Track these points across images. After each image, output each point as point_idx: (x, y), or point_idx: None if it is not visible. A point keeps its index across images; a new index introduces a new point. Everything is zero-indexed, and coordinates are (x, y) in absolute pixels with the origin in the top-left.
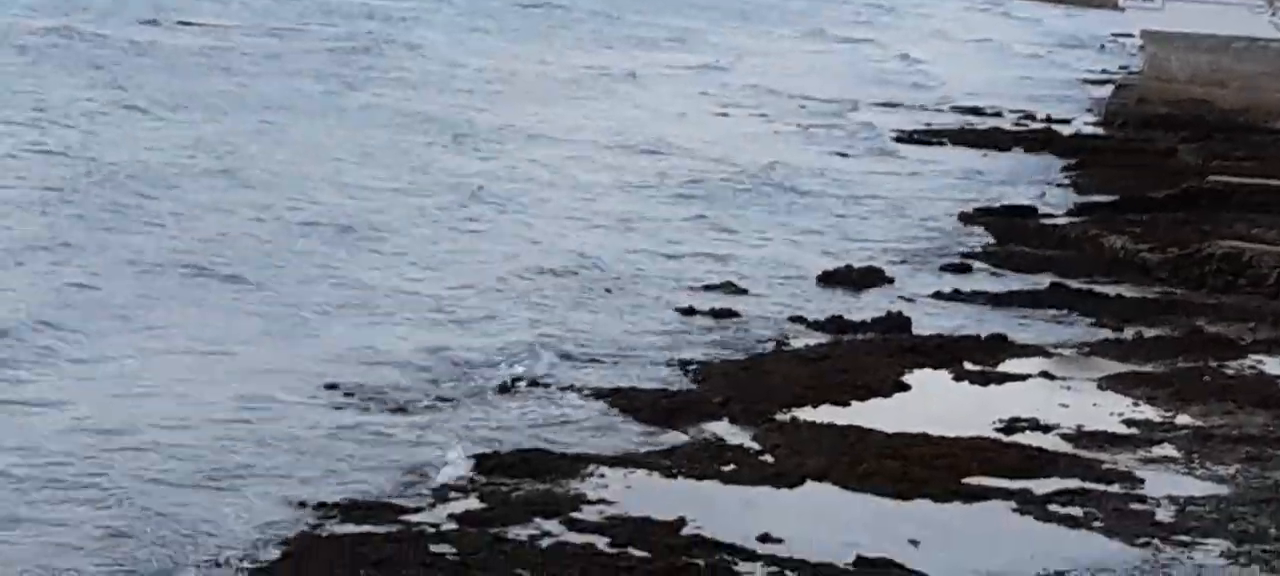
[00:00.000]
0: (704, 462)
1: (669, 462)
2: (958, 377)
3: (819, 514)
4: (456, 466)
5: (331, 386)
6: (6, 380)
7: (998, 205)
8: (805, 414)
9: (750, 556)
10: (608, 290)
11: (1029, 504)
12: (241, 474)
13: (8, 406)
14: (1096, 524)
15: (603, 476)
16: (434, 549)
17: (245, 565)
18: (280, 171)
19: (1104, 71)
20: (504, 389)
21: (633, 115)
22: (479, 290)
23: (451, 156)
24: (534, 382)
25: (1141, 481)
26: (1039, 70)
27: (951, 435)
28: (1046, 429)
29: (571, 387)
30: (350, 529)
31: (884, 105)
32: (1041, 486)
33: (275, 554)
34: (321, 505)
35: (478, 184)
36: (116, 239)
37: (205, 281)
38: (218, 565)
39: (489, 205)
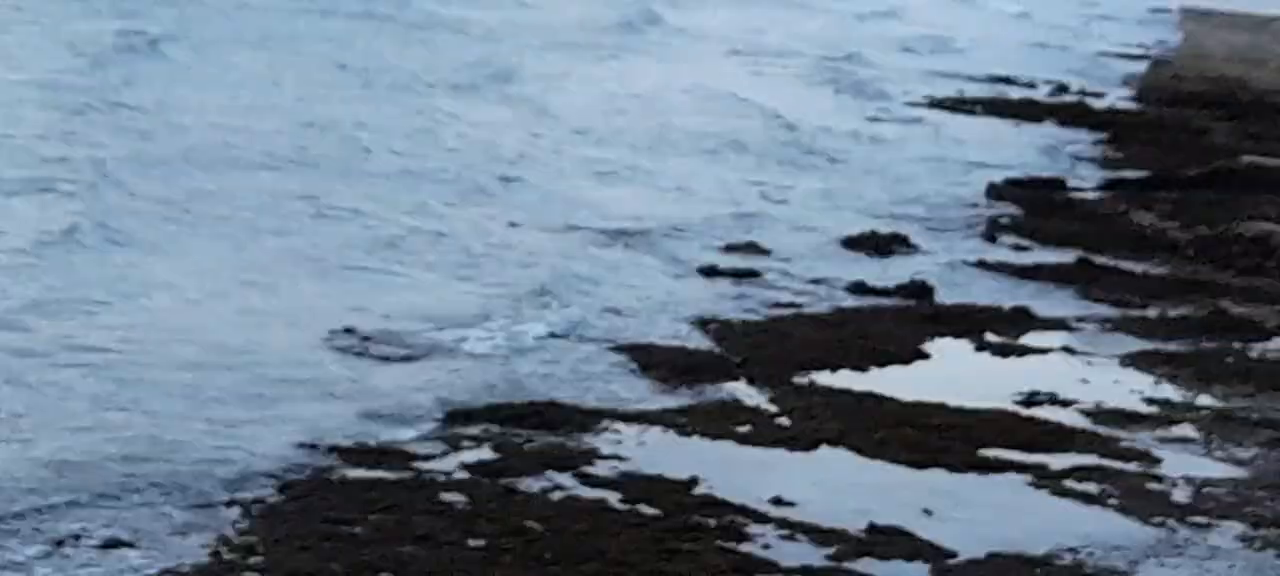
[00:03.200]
0: (719, 422)
1: (684, 421)
2: (979, 348)
3: (833, 479)
4: None
5: (349, 330)
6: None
7: (1027, 177)
8: (823, 378)
9: (762, 519)
10: (627, 245)
11: (1045, 478)
12: (252, 414)
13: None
14: (1112, 501)
15: (617, 431)
16: (444, 497)
17: (253, 506)
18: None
19: (1140, 46)
20: (522, 339)
21: (662, 71)
22: (500, 240)
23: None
24: (552, 334)
25: (1159, 460)
26: (1075, 42)
27: (969, 406)
28: (1066, 404)
29: (589, 340)
30: (360, 473)
31: (917, 72)
32: (1058, 461)
33: (282, 497)
34: (333, 448)
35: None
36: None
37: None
38: (226, 505)
39: (520, 161)
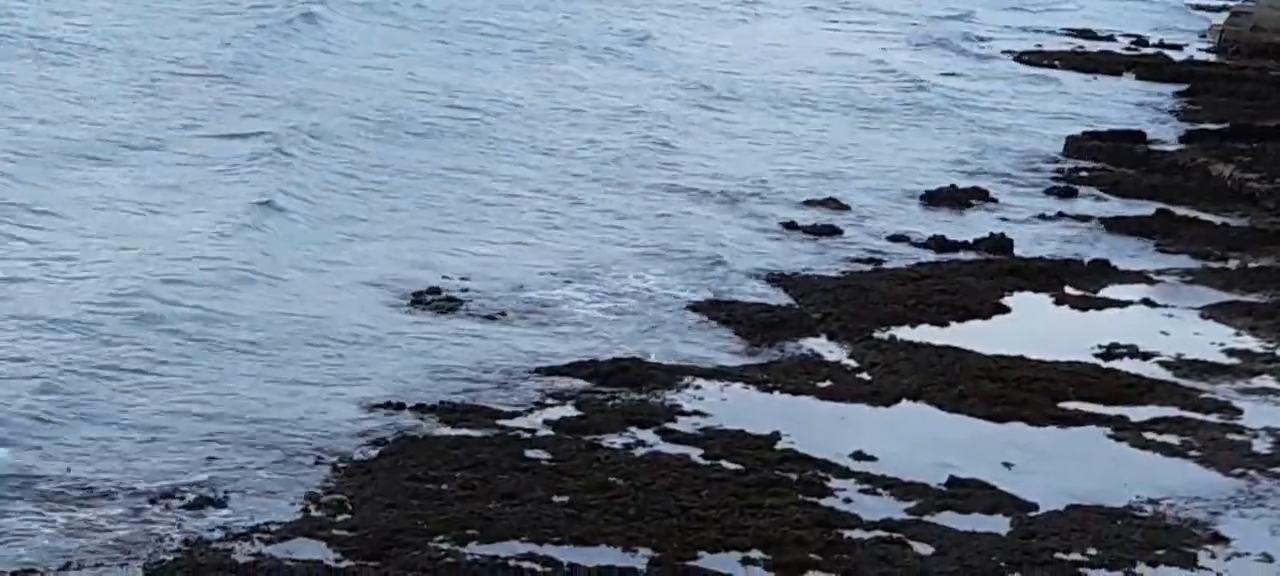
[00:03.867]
0: (800, 378)
1: (765, 376)
2: (1058, 301)
3: (913, 433)
4: None
5: (434, 290)
6: None
7: (1106, 129)
8: (903, 333)
9: (843, 473)
10: (714, 202)
11: (1125, 430)
12: (342, 374)
13: None
14: (1192, 453)
15: (699, 388)
16: (529, 454)
17: (342, 464)
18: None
19: None
20: (607, 297)
21: (765, 31)
22: (588, 201)
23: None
24: (636, 292)
25: (1240, 412)
26: None
27: (1050, 359)
28: (1146, 356)
29: (672, 298)
30: (446, 431)
31: (995, 26)
32: (1138, 413)
33: (373, 453)
34: (419, 407)
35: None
36: None
37: None
38: (315, 464)
39: (619, 119)
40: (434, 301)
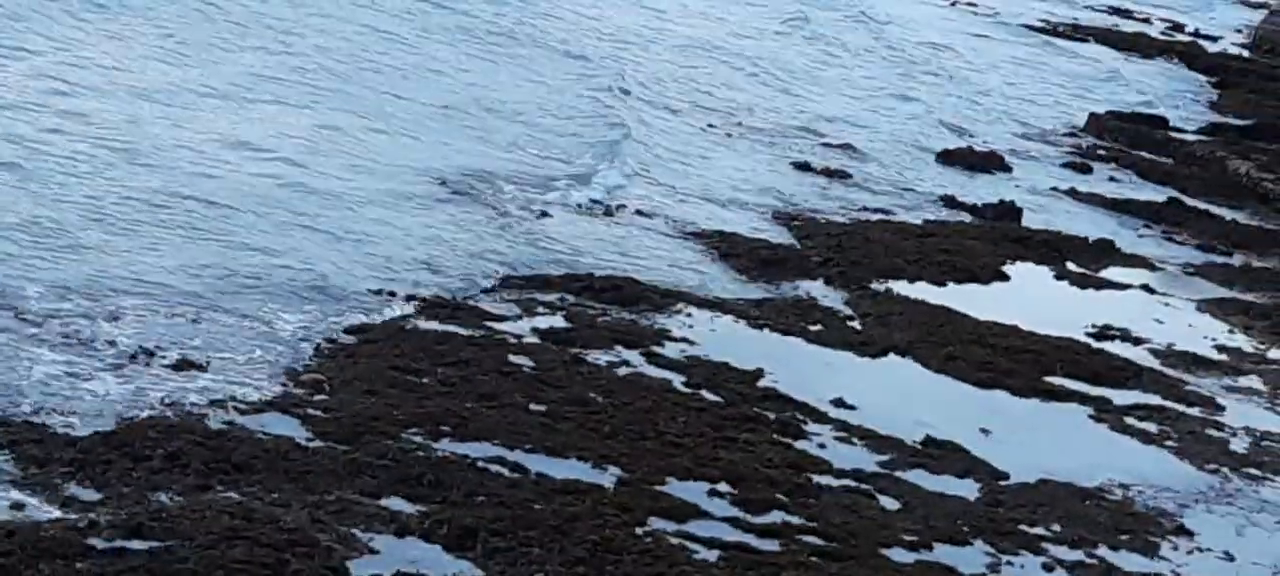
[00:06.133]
0: (792, 319)
1: (757, 313)
2: (1059, 276)
3: (896, 388)
4: None
5: (442, 181)
6: None
7: (1130, 111)
8: (900, 287)
9: (821, 418)
10: (727, 132)
11: (1106, 412)
12: (337, 256)
13: None
14: (1170, 443)
15: (690, 316)
16: (512, 359)
17: (325, 346)
18: None
19: None
20: (607, 212)
21: None
22: (604, 115)
23: None
24: (639, 211)
25: (1222, 408)
26: None
27: (1042, 332)
28: (1138, 341)
29: (675, 222)
30: (434, 326)
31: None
32: (1122, 397)
33: (355, 339)
34: (411, 298)
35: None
36: None
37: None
38: (302, 341)
39: (637, 44)
40: (441, 192)
